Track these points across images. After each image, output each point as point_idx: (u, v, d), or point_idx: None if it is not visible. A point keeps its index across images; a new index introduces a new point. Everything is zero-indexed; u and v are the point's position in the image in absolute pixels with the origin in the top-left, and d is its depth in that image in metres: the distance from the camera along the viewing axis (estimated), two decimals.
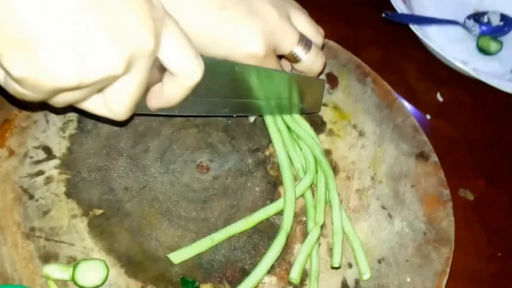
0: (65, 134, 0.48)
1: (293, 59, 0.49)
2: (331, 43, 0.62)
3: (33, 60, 0.29)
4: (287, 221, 0.45)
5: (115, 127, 0.50)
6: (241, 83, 0.46)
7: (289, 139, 0.51)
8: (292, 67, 0.51)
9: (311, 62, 0.49)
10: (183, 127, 0.52)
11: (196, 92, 0.40)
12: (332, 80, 0.59)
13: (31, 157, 0.46)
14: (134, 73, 0.33)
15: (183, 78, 0.38)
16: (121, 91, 0.34)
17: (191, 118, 0.53)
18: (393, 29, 0.74)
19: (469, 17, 0.77)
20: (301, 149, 0.51)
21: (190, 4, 0.43)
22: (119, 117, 0.36)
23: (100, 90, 0.34)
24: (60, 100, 0.33)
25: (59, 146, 0.47)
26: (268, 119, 0.51)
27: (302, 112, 0.53)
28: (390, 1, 0.71)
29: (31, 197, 0.44)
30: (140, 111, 0.41)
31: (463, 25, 0.77)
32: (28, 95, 0.32)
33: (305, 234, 0.47)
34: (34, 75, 0.29)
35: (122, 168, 0.48)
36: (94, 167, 0.47)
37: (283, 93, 0.49)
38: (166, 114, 0.44)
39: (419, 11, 0.76)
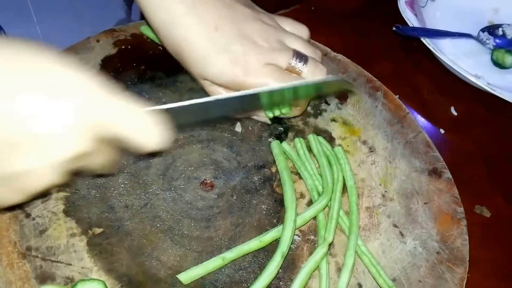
0: None
1: (295, 72, 0.49)
2: (341, 57, 0.61)
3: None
4: (284, 241, 0.43)
5: None
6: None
7: (301, 157, 0.50)
8: None
9: (311, 73, 0.49)
10: (186, 143, 0.50)
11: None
12: (342, 95, 0.57)
13: None
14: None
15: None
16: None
17: (195, 133, 0.51)
18: (405, 41, 0.72)
19: (483, 30, 0.76)
20: (319, 167, 0.49)
21: (186, 18, 0.45)
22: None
23: None
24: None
25: None
26: (273, 144, 0.51)
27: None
28: (398, 13, 0.70)
29: (28, 215, 0.43)
30: None
31: (477, 38, 0.75)
32: None
33: (312, 253, 0.45)
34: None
35: (123, 185, 0.46)
36: (93, 185, 0.46)
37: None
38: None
39: (431, 24, 0.74)
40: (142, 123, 0.35)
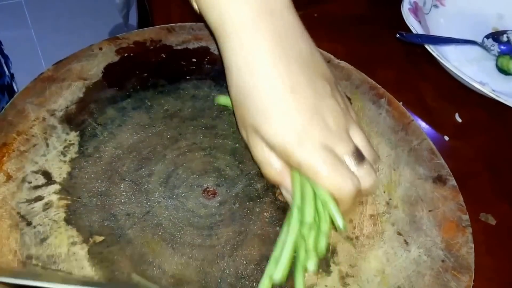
0: (65, 158, 0.47)
1: None
2: (344, 63, 0.61)
3: None
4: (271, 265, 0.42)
5: (118, 151, 0.48)
6: None
7: None
8: None
9: (362, 177, 0.44)
10: (189, 151, 0.50)
11: None
12: None
13: (30, 182, 0.45)
14: None
15: None
16: None
17: (197, 141, 0.51)
18: (408, 47, 0.72)
19: (487, 36, 0.75)
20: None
21: (267, 67, 0.43)
22: None
23: None
24: None
25: (59, 171, 0.46)
26: None
27: None
28: (402, 19, 0.69)
29: (29, 223, 0.42)
30: None
31: (481, 45, 0.74)
32: None
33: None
34: None
35: (124, 193, 0.46)
36: (95, 192, 0.45)
37: None
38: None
39: (435, 30, 0.74)
40: None
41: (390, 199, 0.50)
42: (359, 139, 0.45)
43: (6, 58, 0.70)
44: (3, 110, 0.49)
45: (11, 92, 0.70)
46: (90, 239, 0.43)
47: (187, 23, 0.62)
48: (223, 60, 0.46)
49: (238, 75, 0.44)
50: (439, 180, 0.52)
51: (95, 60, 0.56)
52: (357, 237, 0.46)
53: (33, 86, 0.52)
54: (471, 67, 0.72)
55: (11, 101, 0.50)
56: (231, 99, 0.47)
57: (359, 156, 0.44)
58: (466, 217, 0.49)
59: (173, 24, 0.61)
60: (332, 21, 0.76)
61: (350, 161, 0.43)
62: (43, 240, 0.42)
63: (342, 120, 0.44)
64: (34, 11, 1.94)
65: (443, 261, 0.46)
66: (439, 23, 0.76)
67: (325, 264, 0.44)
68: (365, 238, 0.47)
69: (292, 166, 0.44)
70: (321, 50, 0.60)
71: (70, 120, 0.50)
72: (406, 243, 0.47)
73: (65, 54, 0.56)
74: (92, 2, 1.98)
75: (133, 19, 1.70)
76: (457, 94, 0.69)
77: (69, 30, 1.86)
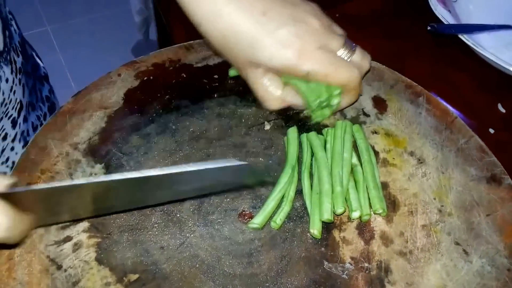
0: None
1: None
2: (374, 63, 0.57)
3: None
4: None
5: None
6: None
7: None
8: None
9: (360, 59, 0.48)
10: None
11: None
12: (380, 104, 0.53)
13: (57, 222, 0.42)
14: None
15: None
16: None
17: None
18: (438, 39, 0.68)
19: None
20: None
21: (230, 6, 0.45)
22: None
23: None
24: None
25: None
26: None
27: None
28: (430, 10, 0.65)
29: (59, 267, 0.40)
30: None
31: None
32: None
33: (368, 282, 0.41)
34: None
35: (156, 225, 0.43)
36: (126, 227, 0.43)
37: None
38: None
39: (465, 18, 0.70)
40: None
41: (442, 205, 0.45)
42: (339, 30, 0.49)
43: (35, 51, 0.71)
44: (25, 149, 0.47)
45: (48, 82, 0.74)
46: (124, 278, 0.40)
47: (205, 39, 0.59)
48: (193, 20, 0.47)
49: (212, 24, 0.46)
50: (494, 179, 0.47)
51: (115, 87, 0.53)
52: (410, 251, 0.43)
53: (53, 121, 0.50)
54: (508, 53, 0.67)
55: (32, 138, 0.48)
56: (216, 50, 0.49)
57: (350, 45, 0.48)
58: None
59: (191, 42, 0.58)
60: (355, 20, 0.73)
61: (346, 50, 0.47)
62: (75, 283, 0.39)
63: (324, 19, 0.47)
64: (60, 37, 1.99)
65: (509, 270, 0.42)
66: (469, 10, 0.72)
67: (379, 284, 0.41)
68: (420, 252, 0.43)
69: (298, 77, 0.47)
70: None
71: (94, 152, 0.48)
72: (466, 253, 0.43)
73: (92, 75, 0.54)
74: (113, 23, 2.02)
75: (153, 35, 1.71)
76: (497, 83, 0.64)
77: (94, 50, 1.90)
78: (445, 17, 0.65)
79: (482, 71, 0.65)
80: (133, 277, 0.40)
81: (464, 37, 0.62)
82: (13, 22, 0.62)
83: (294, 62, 0.45)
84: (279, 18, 0.45)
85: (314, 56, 0.45)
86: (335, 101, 0.49)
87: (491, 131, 0.59)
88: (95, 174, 0.46)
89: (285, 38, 0.44)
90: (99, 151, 0.48)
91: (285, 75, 0.47)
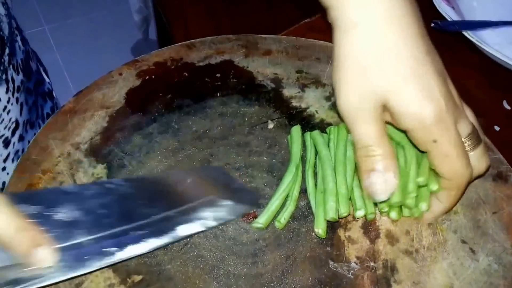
0: None
1: None
2: None
3: None
4: None
5: None
6: None
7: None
8: None
9: (477, 158, 0.40)
10: None
11: None
12: None
13: None
14: None
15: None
16: None
17: (231, 161, 0.48)
18: (442, 36, 0.67)
19: None
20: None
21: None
22: None
23: None
24: None
25: None
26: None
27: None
28: (434, 7, 0.65)
29: None
30: None
31: None
32: None
33: (374, 282, 0.40)
34: None
35: None
36: None
37: None
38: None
39: (469, 15, 0.69)
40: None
41: None
42: (469, 115, 0.41)
43: (43, 66, 0.70)
44: (26, 149, 0.47)
45: (52, 99, 0.72)
46: (128, 279, 0.40)
47: (207, 38, 0.58)
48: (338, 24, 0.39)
49: (371, 35, 0.37)
50: (500, 177, 0.47)
51: (116, 87, 0.53)
52: (416, 250, 0.42)
53: (54, 120, 0.50)
54: None
55: (33, 138, 0.48)
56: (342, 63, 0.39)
57: (477, 135, 0.40)
58: None
59: (193, 40, 0.58)
60: None
61: (470, 141, 0.39)
62: (78, 285, 0.39)
63: (458, 98, 0.40)
64: (58, 36, 1.98)
65: None
66: (472, 7, 0.71)
67: (385, 283, 0.40)
68: (426, 250, 0.42)
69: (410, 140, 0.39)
70: None
71: (96, 152, 0.48)
72: (473, 251, 0.42)
73: (90, 74, 0.54)
74: (112, 22, 2.01)
75: (153, 34, 1.70)
76: (502, 79, 0.64)
77: (92, 50, 1.89)
78: (449, 14, 0.64)
79: (487, 68, 0.65)
80: (137, 278, 0.40)
81: (468, 34, 0.62)
82: (18, 38, 0.60)
83: (430, 122, 0.36)
84: (425, 67, 0.37)
85: (449, 127, 0.37)
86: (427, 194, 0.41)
87: (496, 128, 0.59)
88: (97, 174, 0.46)
89: (429, 91, 0.36)
90: (101, 151, 0.48)
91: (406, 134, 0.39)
